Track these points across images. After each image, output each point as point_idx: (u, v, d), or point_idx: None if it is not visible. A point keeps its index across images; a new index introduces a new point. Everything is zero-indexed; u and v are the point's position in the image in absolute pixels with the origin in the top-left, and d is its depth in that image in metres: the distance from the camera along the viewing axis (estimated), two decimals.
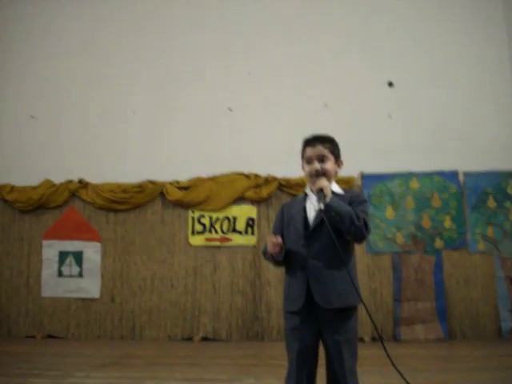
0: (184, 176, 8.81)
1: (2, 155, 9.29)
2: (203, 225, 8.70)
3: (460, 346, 7.51)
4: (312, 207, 2.78)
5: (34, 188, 8.91)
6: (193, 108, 9.19)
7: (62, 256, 8.72)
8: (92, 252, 8.71)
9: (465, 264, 8.32)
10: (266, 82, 9.19)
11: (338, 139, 2.96)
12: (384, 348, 2.72)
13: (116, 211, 8.82)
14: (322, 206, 2.62)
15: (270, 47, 9.30)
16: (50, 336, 8.51)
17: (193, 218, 8.73)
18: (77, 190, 8.86)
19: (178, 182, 8.79)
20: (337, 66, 9.14)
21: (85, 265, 8.68)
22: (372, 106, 8.99)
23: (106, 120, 9.28)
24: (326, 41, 9.23)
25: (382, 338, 7.79)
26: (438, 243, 8.38)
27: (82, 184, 8.87)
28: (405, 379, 2.71)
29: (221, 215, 8.71)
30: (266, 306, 8.40)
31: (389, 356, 2.67)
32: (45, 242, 8.79)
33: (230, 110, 9.17)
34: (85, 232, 8.78)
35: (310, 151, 2.87)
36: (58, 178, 8.92)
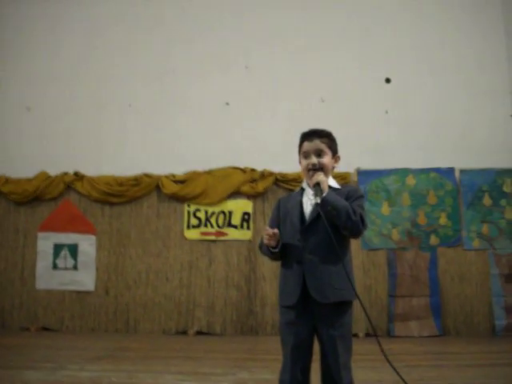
0: (180, 169, 8.81)
1: None
2: (199, 219, 8.69)
3: (454, 343, 7.53)
4: (308, 202, 2.77)
5: (29, 180, 8.88)
6: (190, 102, 9.17)
7: (57, 248, 8.70)
8: (87, 245, 8.69)
9: (459, 261, 8.34)
10: (263, 76, 9.18)
11: (334, 135, 2.96)
12: (378, 344, 2.72)
13: (111, 204, 8.81)
14: (319, 201, 2.61)
15: (268, 42, 9.28)
16: (45, 328, 8.50)
17: (188, 212, 8.72)
18: (72, 183, 8.84)
19: (173, 176, 8.78)
20: (334, 61, 9.13)
21: (80, 257, 8.67)
22: (369, 102, 8.99)
23: (102, 113, 9.26)
24: (323, 36, 9.22)
25: (377, 333, 7.82)
26: (433, 240, 8.40)
27: (78, 176, 8.85)
28: (399, 375, 2.71)
29: (216, 209, 8.71)
30: (260, 300, 8.41)
31: (383, 352, 2.67)
32: (40, 235, 8.77)
33: (227, 104, 9.16)
34: (80, 225, 8.76)
35: (307, 145, 2.85)
36: (54, 170, 8.90)
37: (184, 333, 8.33)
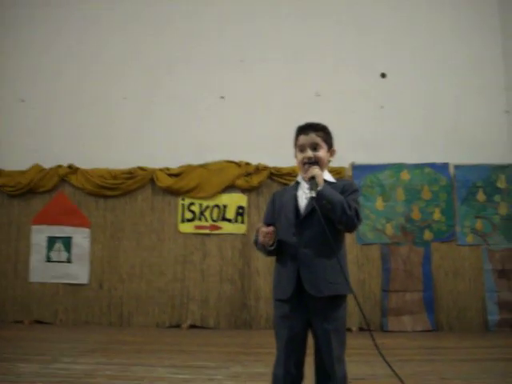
0: (174, 163, 8.79)
1: None
2: (193, 212, 8.69)
3: (447, 338, 7.56)
4: (304, 195, 2.77)
5: (22, 172, 8.84)
6: (184, 95, 9.15)
7: (51, 241, 8.68)
8: (81, 238, 8.67)
9: (453, 256, 8.37)
10: (258, 70, 9.16)
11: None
12: (372, 338, 2.72)
13: (106, 197, 8.79)
14: (314, 194, 2.61)
15: (263, 35, 9.27)
16: (38, 321, 8.49)
17: (183, 206, 8.71)
18: (66, 175, 8.81)
19: (168, 169, 8.76)
20: (329, 55, 9.12)
21: (73, 250, 8.65)
22: (364, 97, 8.98)
23: (96, 105, 9.22)
24: (318, 30, 9.20)
25: (370, 328, 7.84)
26: (427, 235, 8.42)
27: (72, 169, 8.82)
28: (392, 369, 2.72)
29: (211, 203, 8.70)
30: (254, 294, 8.41)
31: (376, 346, 2.68)
32: (33, 227, 8.74)
33: (222, 97, 9.14)
34: (74, 218, 8.74)
35: (303, 139, 2.86)
36: (48, 163, 8.86)
37: (178, 326, 8.33)
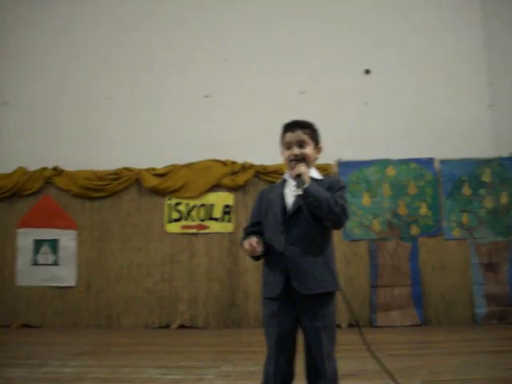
0: (160, 163, 8.76)
1: None
2: (180, 212, 8.67)
3: (435, 332, 7.60)
4: (290, 193, 2.77)
5: (7, 175, 8.79)
6: (169, 94, 9.13)
7: (37, 244, 8.63)
8: (68, 240, 8.63)
9: (440, 251, 8.40)
10: (242, 68, 9.15)
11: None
12: (361, 334, 2.73)
13: (92, 199, 8.75)
14: (301, 192, 2.62)
15: (247, 34, 9.26)
16: (26, 325, 8.43)
17: (169, 206, 8.69)
18: (52, 178, 8.76)
19: (154, 169, 8.74)
20: (313, 53, 9.13)
21: (60, 253, 8.61)
22: (349, 94, 9.00)
23: (80, 106, 9.18)
24: (302, 28, 9.20)
25: (359, 324, 7.86)
26: (414, 230, 8.45)
27: (57, 171, 8.77)
28: (382, 364, 2.73)
29: (197, 202, 8.69)
30: (243, 293, 8.41)
31: (365, 341, 2.69)
32: (19, 231, 8.68)
33: (207, 96, 9.13)
34: (60, 220, 8.69)
35: (289, 136, 2.86)
36: (33, 166, 8.81)
37: (167, 327, 8.32)
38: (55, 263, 8.59)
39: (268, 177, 8.52)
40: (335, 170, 8.58)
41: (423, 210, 8.48)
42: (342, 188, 2.79)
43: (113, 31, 9.35)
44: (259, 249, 2.68)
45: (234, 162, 8.67)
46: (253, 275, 8.32)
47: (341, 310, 7.60)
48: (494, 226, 8.41)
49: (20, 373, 4.75)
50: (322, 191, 2.66)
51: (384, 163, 8.61)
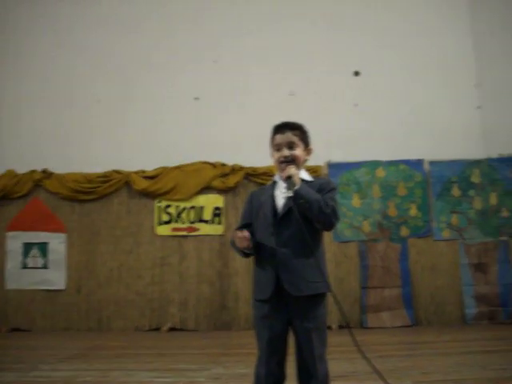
0: (150, 165, 8.74)
1: None
2: (170, 214, 8.65)
3: (426, 332, 7.61)
4: (281, 195, 2.78)
5: None
6: (159, 97, 9.12)
7: (27, 247, 8.59)
8: (57, 243, 8.59)
9: (430, 251, 8.43)
10: (232, 70, 9.14)
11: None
12: (351, 335, 2.73)
13: (81, 201, 8.71)
14: (291, 194, 2.62)
15: (237, 36, 9.25)
16: (15, 329, 8.38)
17: (159, 208, 8.67)
18: (41, 180, 8.72)
19: (143, 172, 8.72)
20: (303, 54, 9.13)
21: (50, 256, 8.57)
22: (338, 95, 9.02)
23: (70, 109, 9.14)
24: (292, 29, 9.21)
25: (350, 325, 7.86)
26: (404, 231, 8.47)
27: (46, 174, 8.73)
28: (372, 365, 2.73)
29: (187, 205, 8.68)
30: (233, 295, 8.40)
31: (356, 343, 2.69)
32: (8, 234, 8.64)
33: (196, 98, 9.12)
34: (49, 223, 8.65)
35: (279, 138, 2.86)
36: (21, 168, 8.76)
37: (157, 329, 8.29)
38: (45, 266, 8.54)
39: (258, 179, 8.52)
40: (325, 171, 8.59)
41: (413, 211, 8.51)
42: (333, 190, 2.80)
43: (102, 34, 9.31)
44: (250, 244, 2.68)
45: (223, 164, 8.67)
46: (243, 277, 8.32)
47: (331, 312, 7.57)
48: (483, 227, 8.45)
49: (9, 377, 4.73)
50: (313, 193, 2.66)
51: (374, 165, 8.63)
